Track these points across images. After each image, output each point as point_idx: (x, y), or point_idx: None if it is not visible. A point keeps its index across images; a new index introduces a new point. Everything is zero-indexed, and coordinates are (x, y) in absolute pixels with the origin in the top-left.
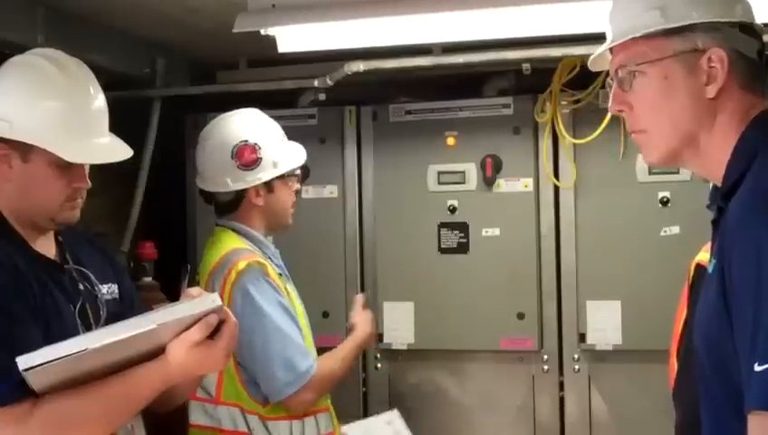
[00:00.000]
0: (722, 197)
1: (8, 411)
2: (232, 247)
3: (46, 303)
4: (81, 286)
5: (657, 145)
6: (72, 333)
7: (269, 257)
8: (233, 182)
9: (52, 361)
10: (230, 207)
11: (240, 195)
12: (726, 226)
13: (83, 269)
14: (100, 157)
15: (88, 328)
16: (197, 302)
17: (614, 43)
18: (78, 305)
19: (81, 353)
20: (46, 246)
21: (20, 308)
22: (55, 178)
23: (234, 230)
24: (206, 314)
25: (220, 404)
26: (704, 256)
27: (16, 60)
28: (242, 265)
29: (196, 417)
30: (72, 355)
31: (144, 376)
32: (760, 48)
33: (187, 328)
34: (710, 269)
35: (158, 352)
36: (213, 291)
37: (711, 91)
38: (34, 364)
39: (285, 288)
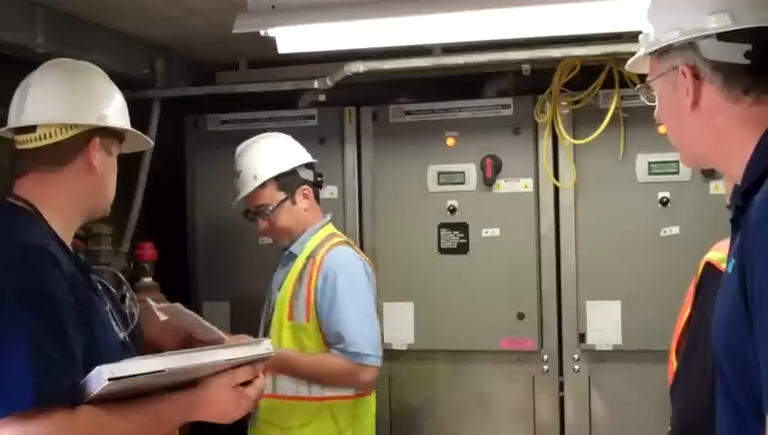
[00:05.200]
0: (740, 196)
1: (56, 411)
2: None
3: (89, 305)
4: (102, 286)
5: (681, 152)
6: (111, 333)
7: None
8: None
9: (136, 375)
10: None
11: None
12: (747, 225)
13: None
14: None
15: (119, 326)
16: (252, 346)
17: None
18: (108, 305)
19: (157, 373)
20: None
21: (75, 311)
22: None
23: None
24: (255, 360)
25: None
26: (714, 254)
27: (68, 67)
28: None
29: None
30: (150, 374)
31: (177, 403)
32: (751, 49)
33: (226, 368)
34: (729, 269)
35: (187, 384)
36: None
37: (687, 103)
38: (122, 375)
39: None
